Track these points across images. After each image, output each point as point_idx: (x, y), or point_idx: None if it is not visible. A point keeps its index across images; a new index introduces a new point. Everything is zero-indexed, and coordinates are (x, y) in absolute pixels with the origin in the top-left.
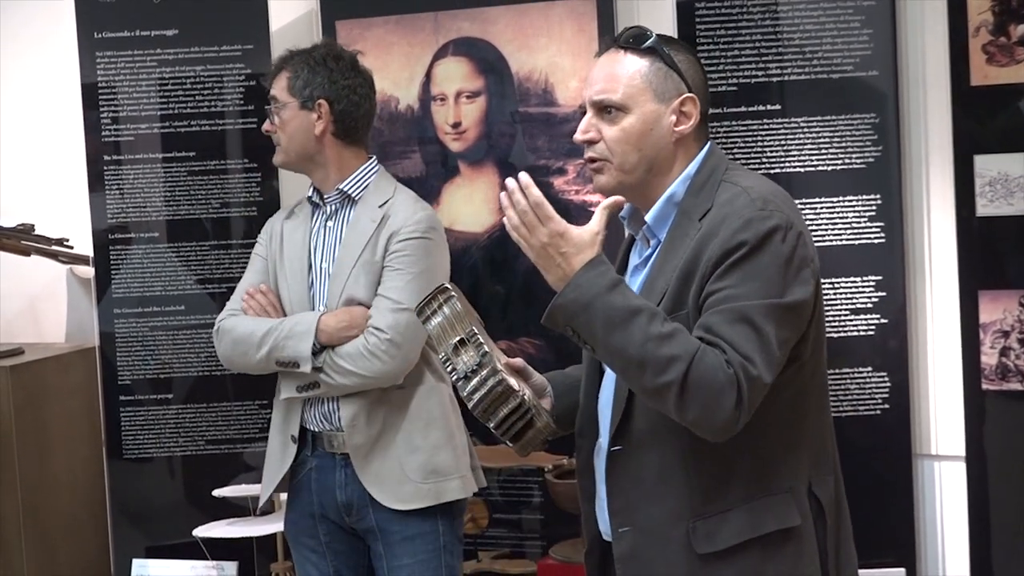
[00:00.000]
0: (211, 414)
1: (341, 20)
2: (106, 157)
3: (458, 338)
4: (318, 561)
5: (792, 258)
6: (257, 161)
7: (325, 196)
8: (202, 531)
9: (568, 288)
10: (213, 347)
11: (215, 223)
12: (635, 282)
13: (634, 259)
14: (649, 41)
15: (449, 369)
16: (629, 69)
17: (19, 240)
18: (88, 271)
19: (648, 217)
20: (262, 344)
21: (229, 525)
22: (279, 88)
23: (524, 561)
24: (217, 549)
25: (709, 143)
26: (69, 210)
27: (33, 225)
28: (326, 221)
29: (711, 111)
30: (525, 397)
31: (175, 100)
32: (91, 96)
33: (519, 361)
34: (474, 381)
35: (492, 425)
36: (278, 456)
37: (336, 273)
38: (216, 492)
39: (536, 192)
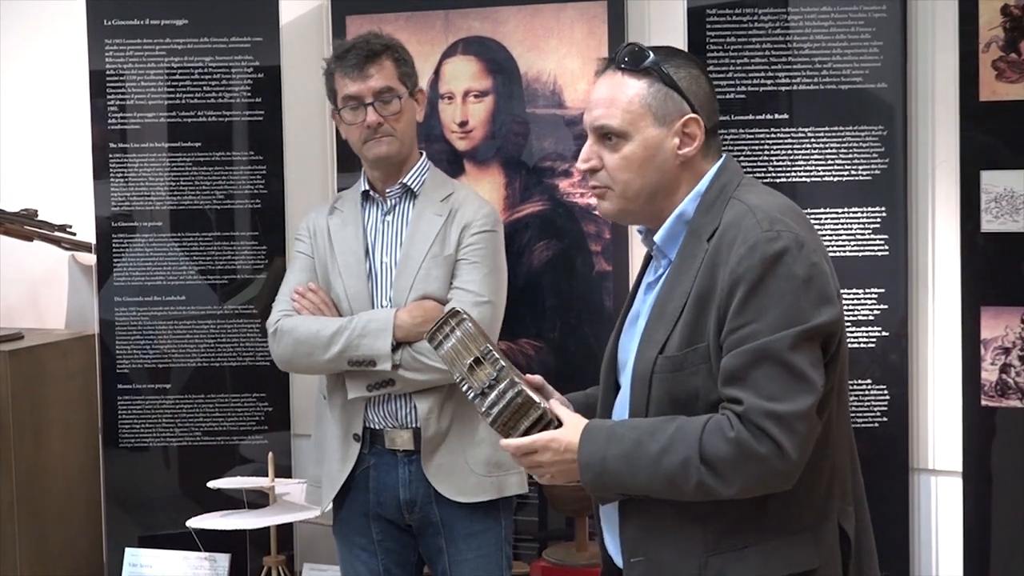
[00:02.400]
0: (208, 405)
1: (351, 15)
2: (112, 145)
3: (473, 358)
4: (368, 559)
5: (810, 278)
6: (263, 153)
7: (387, 190)
8: (196, 522)
9: (583, 470)
10: (212, 338)
11: (219, 214)
12: (647, 301)
13: (648, 276)
14: (647, 61)
15: (465, 388)
16: (628, 93)
17: (22, 225)
18: (90, 258)
19: (657, 238)
20: (331, 344)
21: (223, 517)
22: (388, 77)
23: (518, 563)
24: (210, 541)
25: (724, 157)
26: (73, 197)
27: (36, 211)
28: (384, 216)
29: (721, 118)
30: (545, 409)
31: (182, 90)
32: (99, 84)
33: (538, 378)
34: (492, 396)
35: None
36: (339, 456)
37: (403, 268)
38: (211, 484)
39: (511, 444)
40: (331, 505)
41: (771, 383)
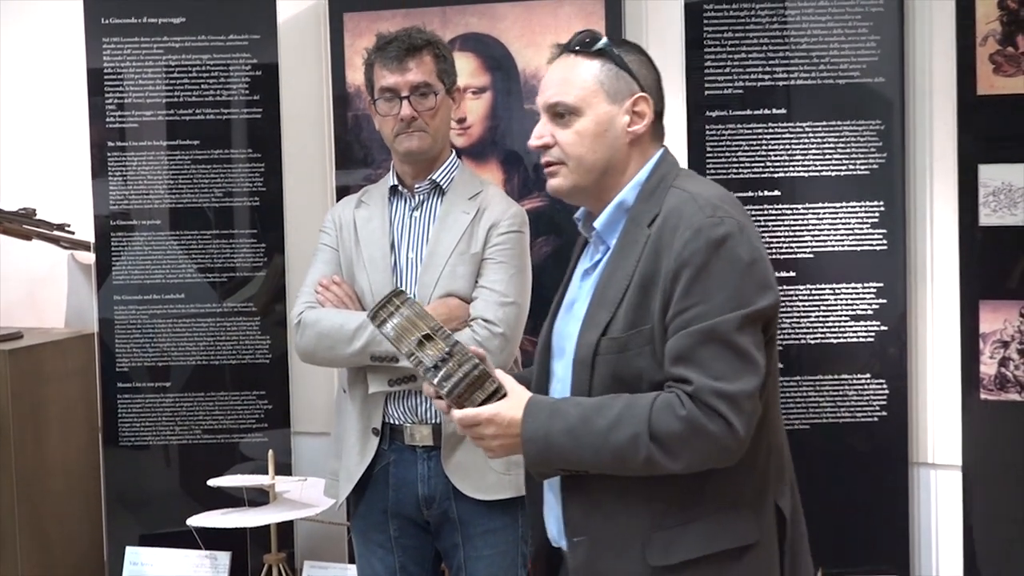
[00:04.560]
0: (208, 403)
1: (349, 12)
2: (110, 143)
3: (423, 333)
4: (384, 556)
5: (753, 262)
6: (261, 151)
7: (415, 186)
8: (196, 520)
9: (526, 444)
10: (212, 336)
11: (217, 212)
12: (584, 287)
13: (584, 263)
14: (600, 43)
15: (415, 363)
16: (581, 72)
17: (21, 224)
18: (89, 257)
19: (597, 224)
20: (355, 338)
21: (223, 515)
22: (426, 72)
23: None
24: (211, 539)
25: (663, 149)
26: (71, 196)
27: (35, 210)
28: (411, 211)
29: (719, 113)
30: (500, 383)
31: (180, 88)
32: (96, 82)
33: (482, 351)
34: (445, 369)
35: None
36: (357, 450)
37: (429, 264)
38: (211, 482)
39: (457, 415)
40: (345, 500)
41: (718, 363)
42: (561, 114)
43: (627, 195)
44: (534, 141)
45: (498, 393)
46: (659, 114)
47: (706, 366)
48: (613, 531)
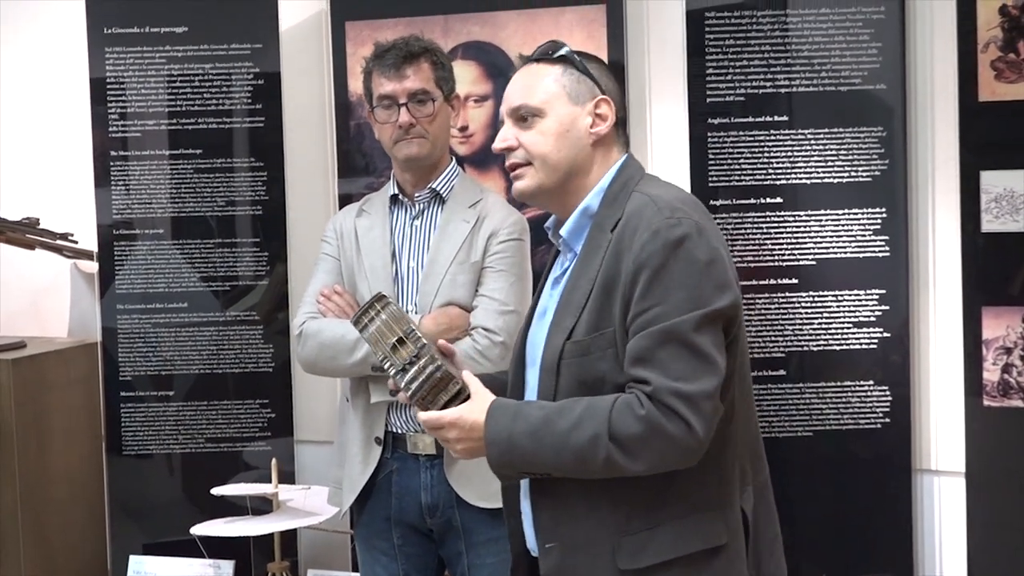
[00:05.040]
0: (211, 412)
1: (351, 21)
2: (112, 153)
3: (397, 337)
4: (388, 564)
5: (711, 262)
6: (263, 160)
7: (416, 195)
8: (200, 529)
9: (489, 447)
10: (215, 345)
11: (220, 221)
12: (554, 295)
13: (555, 272)
14: (561, 51)
15: (387, 365)
16: (543, 77)
17: (24, 234)
18: (92, 266)
19: (563, 231)
20: (356, 348)
21: (227, 523)
22: (423, 79)
23: None
24: (214, 547)
25: (627, 155)
26: (74, 205)
27: (38, 219)
28: (412, 220)
29: (720, 120)
30: (464, 385)
31: (183, 97)
32: (99, 91)
33: (451, 347)
34: (412, 371)
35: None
36: (360, 459)
37: (429, 272)
38: (215, 490)
39: (422, 417)
40: (348, 509)
41: (677, 363)
42: (524, 117)
43: (591, 201)
44: (498, 144)
45: (461, 395)
46: (622, 122)
47: (665, 367)
48: (583, 536)
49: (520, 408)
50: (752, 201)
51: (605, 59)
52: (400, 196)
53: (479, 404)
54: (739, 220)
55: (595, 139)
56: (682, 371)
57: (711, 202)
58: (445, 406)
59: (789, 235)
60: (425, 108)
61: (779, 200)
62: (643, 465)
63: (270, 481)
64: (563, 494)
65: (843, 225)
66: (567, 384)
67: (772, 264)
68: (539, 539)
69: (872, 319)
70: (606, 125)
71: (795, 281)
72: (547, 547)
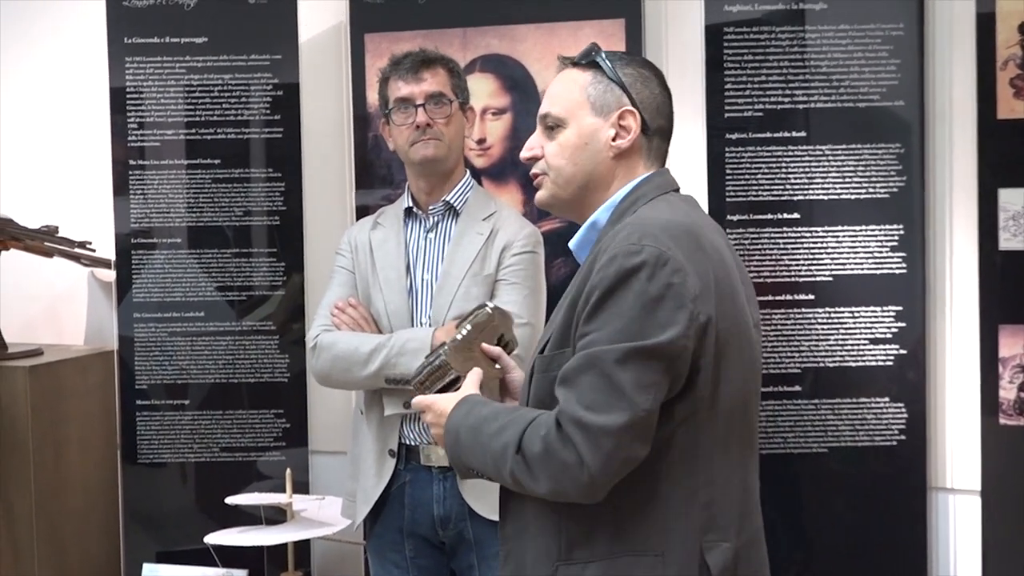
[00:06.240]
0: (226, 421)
1: (370, 33)
2: (131, 162)
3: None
4: (400, 575)
5: (660, 298)
6: (281, 170)
7: (430, 207)
8: (213, 538)
9: (445, 436)
10: (230, 354)
11: (237, 231)
12: None
13: None
14: (594, 55)
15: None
16: (570, 83)
17: (42, 242)
18: (109, 275)
19: (572, 243)
20: (370, 361)
21: (241, 533)
22: (440, 83)
23: None
24: (228, 556)
25: (654, 171)
26: (93, 214)
27: (57, 227)
28: (426, 233)
29: (738, 136)
30: (460, 375)
31: (202, 107)
32: (119, 100)
33: (496, 350)
34: (429, 358)
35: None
36: (374, 471)
37: (443, 285)
38: (229, 500)
39: (412, 400)
40: (362, 521)
41: (591, 392)
42: (551, 126)
43: (600, 215)
44: (524, 153)
45: (454, 385)
46: (662, 132)
47: (579, 392)
48: (530, 555)
49: (475, 405)
50: (769, 216)
51: None
52: (414, 209)
53: (458, 394)
54: (756, 235)
55: (616, 152)
56: (593, 401)
57: (728, 217)
58: (439, 392)
59: (806, 251)
60: (442, 109)
61: (796, 216)
62: (542, 487)
63: (284, 491)
64: (520, 508)
65: (860, 241)
66: (533, 399)
67: (789, 280)
68: (503, 548)
69: (888, 336)
70: (629, 138)
71: (811, 297)
72: (503, 555)
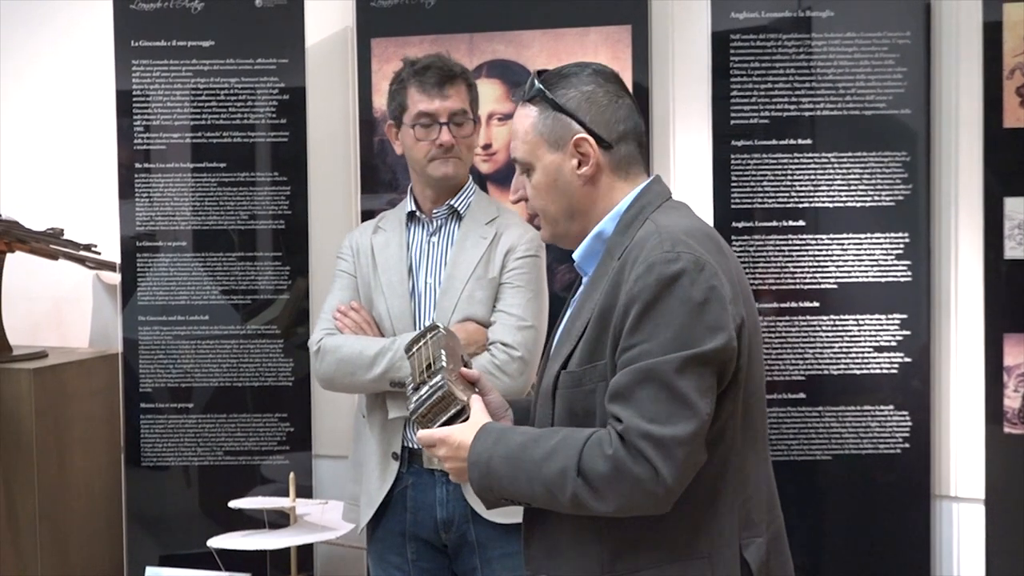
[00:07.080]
0: (230, 425)
1: (377, 38)
2: (137, 165)
3: (427, 363)
4: None
5: (705, 301)
6: (286, 174)
7: (433, 211)
8: (217, 542)
9: (471, 468)
10: (235, 358)
11: (242, 235)
12: (566, 321)
13: (575, 297)
14: (533, 90)
15: (410, 387)
16: (524, 124)
17: (47, 244)
18: (114, 277)
19: (576, 255)
20: (374, 364)
21: (244, 537)
22: (462, 100)
23: None
24: (231, 560)
25: (651, 178)
26: (98, 216)
27: (62, 230)
28: (429, 237)
29: (744, 143)
30: (465, 405)
31: (208, 111)
32: (125, 104)
33: (475, 372)
34: (421, 391)
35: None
36: (377, 474)
37: (447, 289)
38: (232, 503)
39: (419, 436)
40: (366, 524)
41: (653, 405)
42: (523, 169)
43: (606, 225)
44: (511, 196)
45: (460, 416)
46: (626, 136)
47: (640, 406)
48: (567, 572)
49: (504, 432)
50: (775, 224)
51: (629, 79)
52: (417, 212)
53: (471, 425)
54: (761, 243)
55: (586, 179)
56: (657, 413)
57: (733, 224)
58: (444, 425)
59: (811, 258)
60: (464, 129)
61: (802, 223)
62: (609, 506)
63: (287, 495)
64: (551, 526)
65: (865, 249)
66: (561, 414)
67: (794, 287)
68: (528, 568)
69: (893, 344)
70: (590, 164)
71: (816, 304)
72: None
